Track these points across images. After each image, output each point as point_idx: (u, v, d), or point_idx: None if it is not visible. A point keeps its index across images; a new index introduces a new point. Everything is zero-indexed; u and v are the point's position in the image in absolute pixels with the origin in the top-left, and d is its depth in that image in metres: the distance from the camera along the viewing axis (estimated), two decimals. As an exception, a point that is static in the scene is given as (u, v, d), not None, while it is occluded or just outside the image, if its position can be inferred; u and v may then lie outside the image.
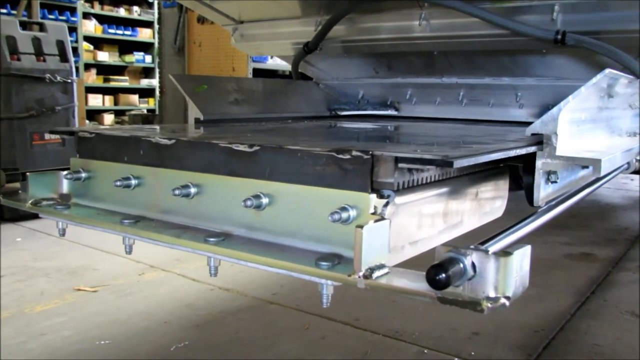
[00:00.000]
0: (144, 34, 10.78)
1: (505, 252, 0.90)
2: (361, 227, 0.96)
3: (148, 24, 10.79)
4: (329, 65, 3.42)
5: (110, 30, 10.27)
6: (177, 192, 1.30)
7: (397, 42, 2.89)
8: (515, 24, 2.41)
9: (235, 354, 2.33)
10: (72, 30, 9.01)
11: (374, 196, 1.06)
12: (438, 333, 2.54)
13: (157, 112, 9.17)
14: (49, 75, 5.57)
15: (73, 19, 9.50)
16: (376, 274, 0.98)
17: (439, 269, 0.88)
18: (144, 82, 10.86)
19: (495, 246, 1.14)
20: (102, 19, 10.27)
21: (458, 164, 1.02)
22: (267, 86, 2.91)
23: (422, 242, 1.22)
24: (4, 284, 3.18)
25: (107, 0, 10.41)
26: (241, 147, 1.25)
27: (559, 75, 2.72)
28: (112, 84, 10.38)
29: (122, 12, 10.59)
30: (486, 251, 0.90)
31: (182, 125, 2.46)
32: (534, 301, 2.91)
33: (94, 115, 10.00)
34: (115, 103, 10.48)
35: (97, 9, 10.22)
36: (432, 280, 0.89)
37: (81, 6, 9.74)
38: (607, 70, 1.55)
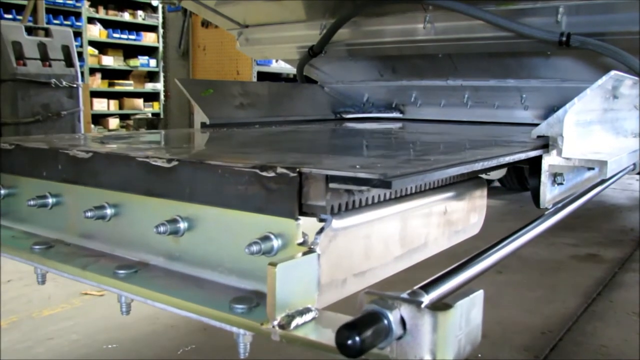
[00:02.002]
0: (149, 38, 10.82)
1: (445, 305, 0.72)
2: (274, 265, 0.78)
3: (152, 28, 10.83)
4: (334, 68, 3.43)
5: (115, 35, 10.31)
6: (89, 214, 1.15)
7: (402, 44, 2.90)
8: (520, 26, 2.41)
9: (250, 353, 2.33)
10: (77, 34, 9.05)
11: (302, 222, 0.89)
12: (445, 335, 2.53)
13: (161, 116, 9.19)
14: (54, 80, 5.60)
15: (78, 23, 9.55)
16: (297, 321, 0.81)
17: (352, 330, 0.67)
18: (149, 86, 10.89)
19: (442, 289, 0.92)
20: (106, 24, 10.31)
21: (397, 184, 0.87)
22: (273, 90, 2.92)
23: (371, 272, 1.03)
24: (12, 289, 3.20)
25: (111, 5, 10.46)
26: (159, 162, 1.08)
27: (564, 76, 2.72)
28: (117, 88, 10.42)
29: (126, 16, 10.63)
30: (419, 304, 0.71)
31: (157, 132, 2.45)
32: (540, 303, 2.90)
33: (99, 119, 10.04)
34: (120, 107, 10.52)
35: (101, 13, 10.27)
36: (343, 346, 0.67)
37: (86, 11, 9.79)
38: (613, 72, 1.56)
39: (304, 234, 0.89)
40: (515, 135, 2.12)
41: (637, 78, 1.92)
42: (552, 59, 2.67)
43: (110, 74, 10.37)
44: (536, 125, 1.49)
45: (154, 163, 1.09)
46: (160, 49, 9.39)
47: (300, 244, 0.89)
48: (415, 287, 0.83)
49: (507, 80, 2.90)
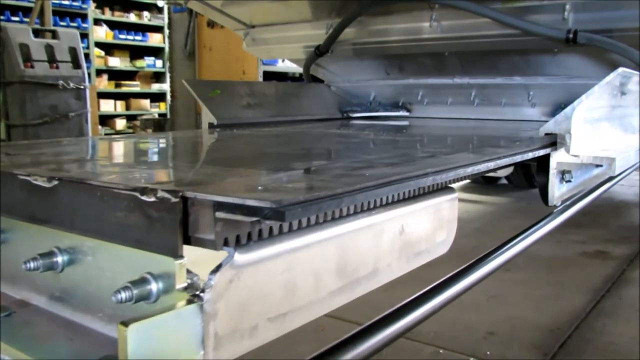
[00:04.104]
0: (155, 39, 10.84)
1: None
2: (125, 325, 0.62)
3: (158, 29, 10.85)
4: (341, 67, 3.44)
5: (121, 36, 10.33)
6: None
7: (408, 43, 2.90)
8: (527, 23, 2.41)
9: (251, 353, 2.35)
10: (84, 36, 9.07)
11: (183, 261, 0.72)
12: (453, 333, 2.54)
13: (168, 117, 9.22)
14: (62, 81, 5.62)
15: (84, 25, 9.58)
16: None
17: None
18: (155, 87, 10.92)
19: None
20: (112, 25, 10.34)
21: (291, 216, 0.72)
22: (279, 89, 2.93)
23: (295, 314, 0.85)
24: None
25: (117, 6, 10.48)
26: (40, 181, 0.91)
27: (571, 73, 2.72)
28: (124, 89, 10.44)
29: (132, 17, 10.66)
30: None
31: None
32: (549, 300, 2.90)
33: (106, 120, 10.07)
34: (127, 108, 10.54)
35: (107, 15, 10.29)
36: None
37: (92, 12, 9.82)
38: (620, 69, 1.56)
39: (192, 275, 0.72)
40: (514, 132, 2.11)
41: (644, 74, 1.92)
42: (559, 56, 2.66)
43: (116, 75, 10.40)
44: (544, 122, 1.49)
45: (34, 182, 0.92)
46: (166, 49, 9.42)
47: (185, 289, 0.71)
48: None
49: (514, 78, 2.90)
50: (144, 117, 10.00)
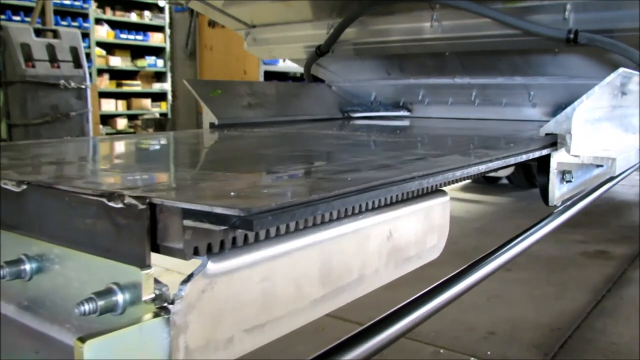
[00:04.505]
0: (156, 39, 10.84)
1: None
2: (82, 341, 0.59)
3: (159, 29, 10.85)
4: (341, 67, 3.44)
5: (122, 36, 10.34)
6: None
7: (409, 43, 2.90)
8: (527, 23, 2.42)
9: (252, 353, 2.35)
10: (85, 36, 9.08)
11: (150, 271, 0.69)
12: (454, 333, 2.54)
13: (169, 116, 9.23)
14: (63, 81, 5.63)
15: (85, 24, 9.59)
16: None
17: None
18: (156, 87, 10.92)
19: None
20: (114, 24, 10.34)
21: (260, 225, 0.69)
22: (280, 89, 2.94)
23: (275, 324, 0.82)
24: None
25: (118, 6, 10.49)
26: (9, 186, 0.88)
27: (572, 73, 2.72)
28: (125, 89, 10.45)
29: (133, 17, 10.66)
30: None
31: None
32: (549, 300, 2.90)
33: (107, 120, 10.08)
34: (128, 107, 10.55)
35: (109, 14, 10.30)
36: None
37: (93, 12, 9.82)
38: (621, 70, 1.56)
39: (161, 285, 0.69)
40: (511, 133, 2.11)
41: (645, 75, 1.92)
42: (560, 56, 2.67)
43: (117, 75, 10.41)
44: (545, 122, 1.50)
45: (4, 186, 0.88)
46: (168, 49, 9.43)
47: (152, 300, 0.68)
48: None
49: (514, 78, 2.90)
50: (145, 116, 10.01)
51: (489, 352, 2.37)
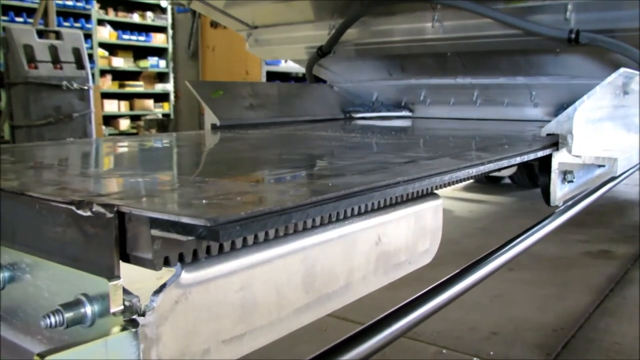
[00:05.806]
0: (158, 39, 10.86)
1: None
2: (41, 357, 0.57)
3: (162, 30, 10.87)
4: (343, 68, 3.44)
5: (125, 36, 10.36)
6: None
7: (411, 43, 2.91)
8: (529, 23, 2.42)
9: (254, 353, 2.35)
10: (87, 36, 9.10)
11: (119, 282, 0.66)
12: (457, 333, 2.54)
13: (172, 117, 9.24)
14: (65, 82, 5.64)
15: (88, 25, 9.61)
16: None
17: None
18: (159, 87, 10.94)
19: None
20: (116, 25, 10.37)
21: (227, 236, 0.66)
22: (282, 90, 2.94)
23: (255, 334, 0.79)
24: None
25: (121, 7, 10.51)
26: None
27: (573, 73, 2.72)
28: (127, 90, 10.47)
29: (136, 18, 10.68)
30: None
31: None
32: (552, 300, 2.90)
33: (110, 120, 10.10)
34: (131, 108, 10.57)
35: (111, 15, 10.32)
36: None
37: (96, 13, 9.85)
38: (622, 69, 1.56)
39: (131, 296, 0.66)
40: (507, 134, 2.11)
41: (647, 74, 1.92)
42: (562, 56, 2.67)
43: (120, 75, 10.43)
44: (547, 122, 1.50)
45: None
46: (170, 49, 9.43)
47: (123, 312, 0.65)
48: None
49: (516, 78, 2.90)
50: (148, 117, 10.03)
51: (491, 352, 2.37)
